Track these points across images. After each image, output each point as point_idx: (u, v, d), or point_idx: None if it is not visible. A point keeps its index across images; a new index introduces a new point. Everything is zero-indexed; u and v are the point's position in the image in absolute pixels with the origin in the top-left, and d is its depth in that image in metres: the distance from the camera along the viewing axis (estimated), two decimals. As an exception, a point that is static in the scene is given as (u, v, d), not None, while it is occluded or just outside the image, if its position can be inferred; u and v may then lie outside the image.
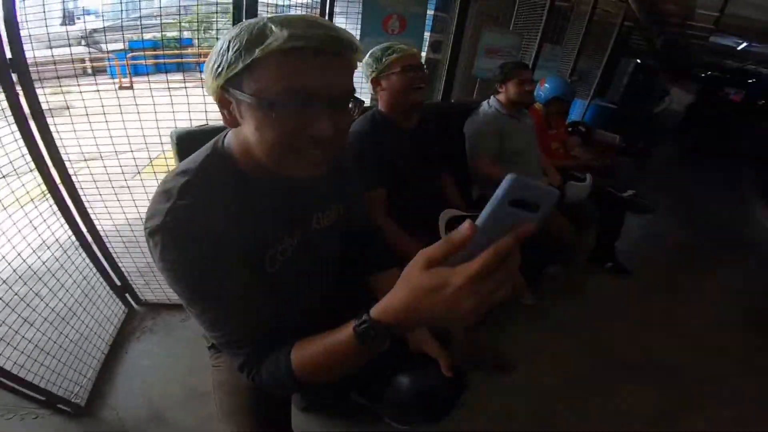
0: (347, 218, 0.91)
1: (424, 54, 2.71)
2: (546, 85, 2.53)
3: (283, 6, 1.91)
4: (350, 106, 0.62)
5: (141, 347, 1.64)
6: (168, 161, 1.43)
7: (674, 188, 4.63)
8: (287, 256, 0.76)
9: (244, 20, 0.63)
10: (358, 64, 0.67)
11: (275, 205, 0.73)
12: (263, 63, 0.55)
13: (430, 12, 2.33)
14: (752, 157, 6.94)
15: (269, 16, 0.58)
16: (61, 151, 1.46)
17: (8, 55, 1.20)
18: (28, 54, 1.27)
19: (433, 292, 0.45)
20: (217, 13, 1.51)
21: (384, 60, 1.28)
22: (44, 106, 1.38)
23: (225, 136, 0.70)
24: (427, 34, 2.31)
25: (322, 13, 1.82)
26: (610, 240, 2.53)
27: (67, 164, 1.48)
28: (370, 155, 1.27)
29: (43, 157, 1.38)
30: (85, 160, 1.53)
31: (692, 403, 1.70)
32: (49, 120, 1.39)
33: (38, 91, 1.33)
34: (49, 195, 1.44)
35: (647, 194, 2.45)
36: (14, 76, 1.24)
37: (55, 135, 1.42)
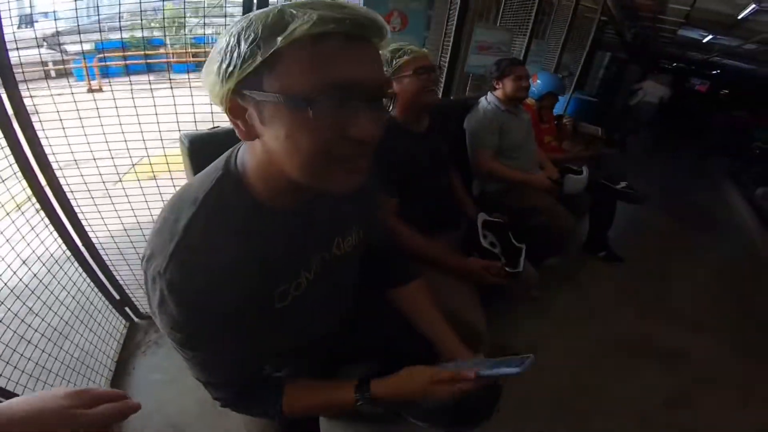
0: (367, 240, 0.83)
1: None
2: (538, 81, 2.58)
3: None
4: (384, 101, 0.54)
5: (149, 362, 1.58)
6: (170, 165, 1.39)
7: (651, 177, 4.78)
8: (302, 290, 0.68)
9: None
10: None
11: (292, 239, 0.64)
12: (288, 54, 0.45)
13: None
14: (719, 146, 7.26)
15: (282, 3, 0.48)
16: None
17: None
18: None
19: (430, 394, 0.72)
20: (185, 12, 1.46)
21: (395, 62, 1.24)
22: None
23: (237, 154, 0.60)
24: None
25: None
26: (603, 230, 2.60)
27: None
28: (384, 164, 1.22)
29: (29, 163, 1.30)
30: (75, 165, 1.46)
31: (697, 384, 1.76)
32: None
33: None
34: (36, 203, 1.36)
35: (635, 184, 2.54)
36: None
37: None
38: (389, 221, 1.26)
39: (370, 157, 0.54)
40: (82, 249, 1.51)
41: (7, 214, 1.24)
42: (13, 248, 1.26)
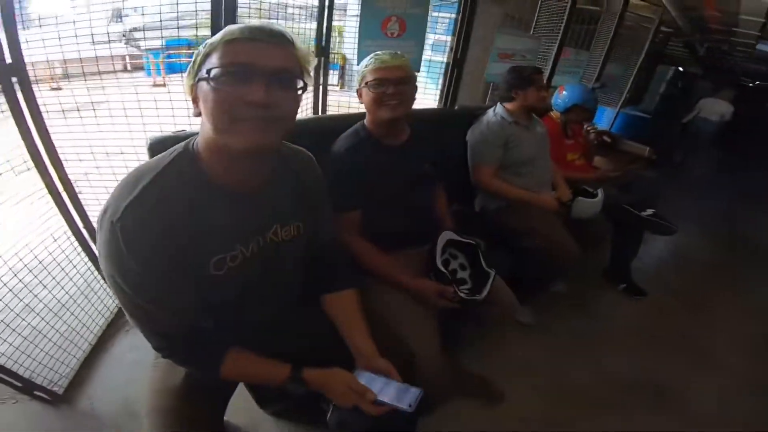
0: (308, 237, 0.93)
1: (443, 57, 2.59)
2: (564, 92, 2.39)
3: (285, 10, 1.89)
4: (299, 90, 0.71)
5: (128, 341, 1.65)
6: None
7: (705, 202, 4.34)
8: (237, 263, 0.79)
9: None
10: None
11: (233, 213, 0.76)
12: (213, 54, 0.66)
13: (436, 14, 2.23)
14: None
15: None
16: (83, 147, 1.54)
17: (8, 60, 1.23)
18: (74, 54, 1.39)
19: (343, 397, 0.84)
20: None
21: (362, 71, 1.21)
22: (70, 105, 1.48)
23: (196, 138, 0.75)
24: (435, 37, 2.22)
25: (321, 15, 1.79)
26: (626, 260, 2.38)
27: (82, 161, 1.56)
28: (347, 176, 1.20)
29: (41, 156, 1.41)
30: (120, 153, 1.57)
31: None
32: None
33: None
34: (47, 192, 1.47)
35: (673, 210, 2.28)
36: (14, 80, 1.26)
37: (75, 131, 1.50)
38: (349, 234, 1.23)
39: (270, 122, 0.67)
40: (85, 233, 1.62)
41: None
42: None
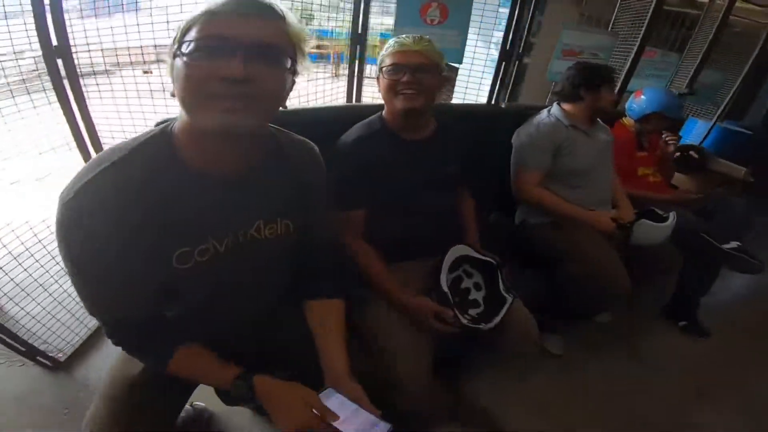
0: (298, 236, 0.85)
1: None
2: (643, 96, 2.05)
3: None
4: (287, 66, 0.63)
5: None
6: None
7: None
8: (208, 257, 0.72)
9: None
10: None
11: (208, 202, 0.69)
12: (192, 29, 0.60)
13: (504, 10, 2.02)
14: None
15: None
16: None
17: (54, 43, 1.28)
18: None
19: (290, 417, 0.73)
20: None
21: (381, 55, 1.09)
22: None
23: (174, 121, 0.69)
24: (500, 34, 2.02)
25: (357, 3, 1.69)
26: (694, 296, 2.01)
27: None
28: (354, 170, 1.09)
29: (82, 136, 1.46)
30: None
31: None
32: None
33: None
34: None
35: (764, 244, 1.86)
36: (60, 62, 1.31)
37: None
38: (350, 236, 1.12)
39: (248, 100, 0.60)
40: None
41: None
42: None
